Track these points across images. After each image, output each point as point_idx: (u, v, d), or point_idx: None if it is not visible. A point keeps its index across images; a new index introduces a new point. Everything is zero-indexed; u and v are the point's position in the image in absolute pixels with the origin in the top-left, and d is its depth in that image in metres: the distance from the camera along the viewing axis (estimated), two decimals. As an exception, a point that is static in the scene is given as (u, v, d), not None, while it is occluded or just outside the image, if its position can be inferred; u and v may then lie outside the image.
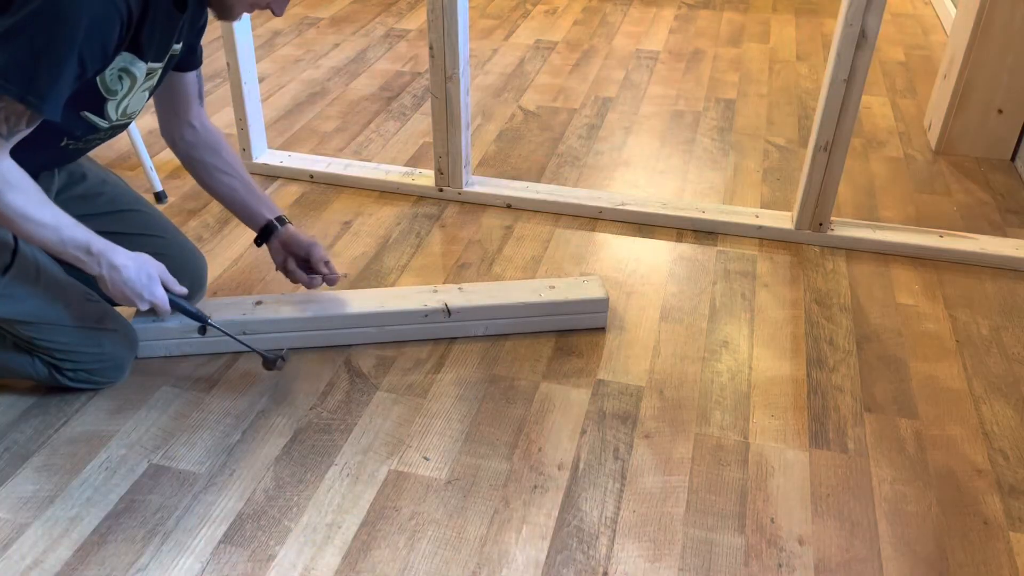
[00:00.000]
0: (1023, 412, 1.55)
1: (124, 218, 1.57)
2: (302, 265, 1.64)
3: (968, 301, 1.84)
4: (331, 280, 1.63)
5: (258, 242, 1.65)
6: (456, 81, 1.99)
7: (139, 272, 1.38)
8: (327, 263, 1.63)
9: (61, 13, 1.13)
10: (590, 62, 3.06)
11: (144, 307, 1.41)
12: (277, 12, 1.34)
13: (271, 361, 1.54)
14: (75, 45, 1.14)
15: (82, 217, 1.49)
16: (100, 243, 1.34)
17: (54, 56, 1.15)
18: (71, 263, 1.35)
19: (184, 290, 1.47)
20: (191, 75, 1.53)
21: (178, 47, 1.40)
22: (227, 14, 1.34)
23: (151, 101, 1.51)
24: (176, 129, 1.57)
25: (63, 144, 1.36)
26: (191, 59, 1.50)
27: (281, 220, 1.63)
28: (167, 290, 1.43)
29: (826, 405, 1.55)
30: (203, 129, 1.59)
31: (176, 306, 1.47)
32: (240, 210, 1.63)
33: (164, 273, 1.43)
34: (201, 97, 1.58)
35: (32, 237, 1.28)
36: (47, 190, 1.44)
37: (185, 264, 1.60)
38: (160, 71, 1.37)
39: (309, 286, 1.63)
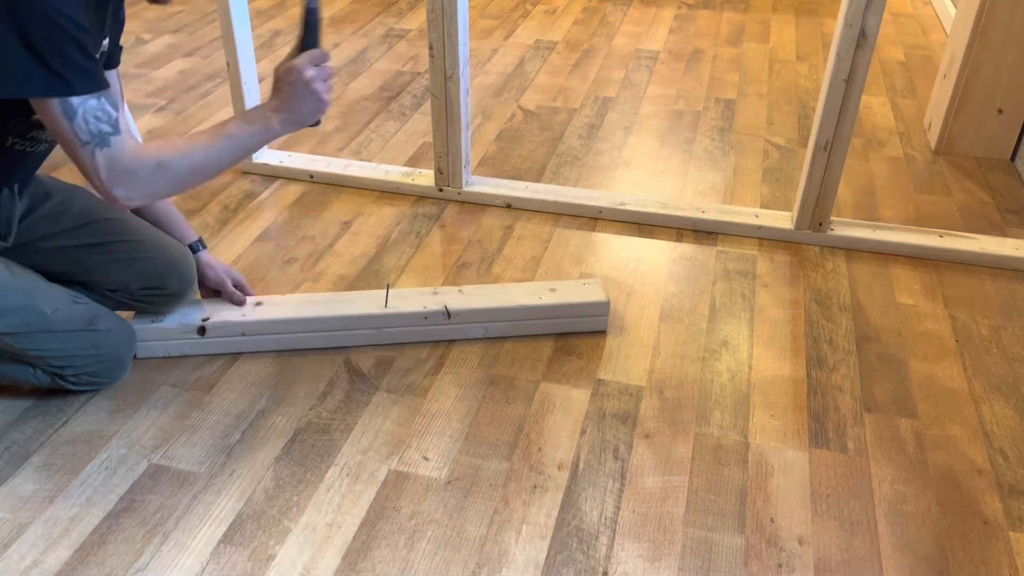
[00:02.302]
0: (1023, 412, 1.55)
1: (98, 228, 1.53)
2: (211, 293, 1.68)
3: (968, 301, 1.84)
4: (237, 300, 1.65)
5: None
6: (456, 81, 1.99)
7: (306, 99, 1.35)
8: (241, 286, 1.68)
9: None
10: (590, 62, 3.06)
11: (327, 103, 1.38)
12: None
13: None
14: (56, 12, 1.13)
15: (55, 235, 1.48)
16: (258, 113, 1.34)
17: (46, 35, 1.13)
18: (264, 143, 1.35)
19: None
20: (112, 75, 1.48)
21: (106, 43, 1.36)
22: None
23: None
24: None
25: (9, 144, 1.34)
26: (114, 54, 1.46)
27: (197, 245, 1.65)
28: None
29: (826, 405, 1.55)
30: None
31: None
32: (162, 228, 1.62)
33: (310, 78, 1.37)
34: (122, 101, 1.54)
35: (224, 160, 1.31)
36: (9, 216, 1.43)
37: (170, 263, 1.57)
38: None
39: (233, 301, 1.66)
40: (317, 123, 1.39)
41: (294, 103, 1.34)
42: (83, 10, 1.18)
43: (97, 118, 1.20)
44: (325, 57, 1.37)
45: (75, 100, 1.18)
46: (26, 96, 1.17)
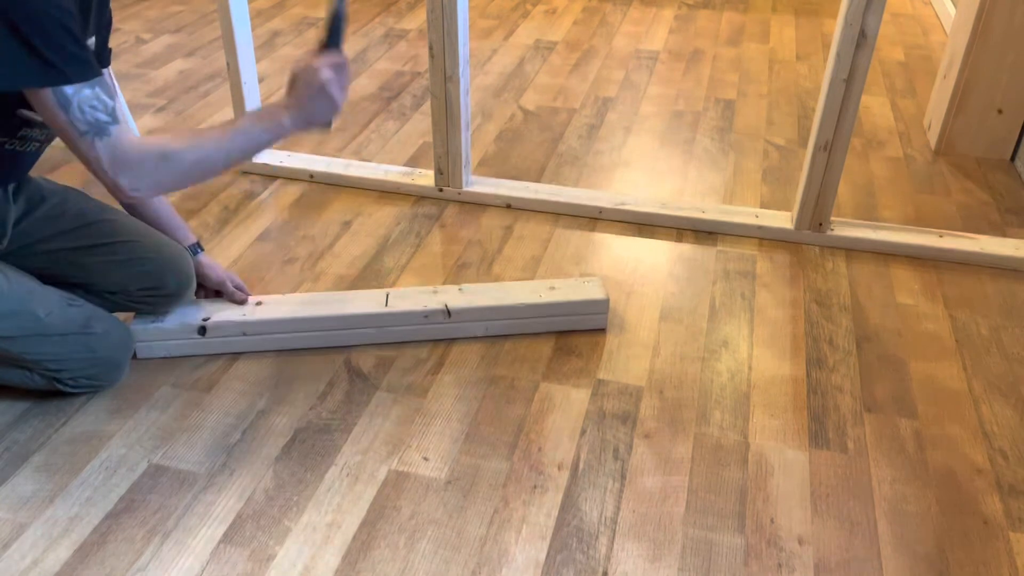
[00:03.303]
0: (1023, 412, 1.55)
1: (95, 229, 1.52)
2: (211, 295, 1.68)
3: (968, 301, 1.84)
4: (238, 300, 1.65)
5: None
6: (456, 81, 1.99)
7: (319, 101, 1.34)
8: (240, 288, 1.68)
9: None
10: (590, 62, 3.06)
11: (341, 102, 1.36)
12: None
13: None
14: (50, 6, 1.13)
15: (51, 237, 1.48)
16: (269, 110, 1.33)
17: (36, 24, 1.13)
18: (271, 142, 1.34)
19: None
20: (104, 75, 1.49)
21: (92, 42, 1.36)
22: None
23: None
24: None
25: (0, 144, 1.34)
26: (101, 55, 1.44)
27: (196, 248, 1.64)
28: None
29: (826, 405, 1.55)
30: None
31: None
32: (160, 230, 1.62)
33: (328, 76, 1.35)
34: (120, 101, 1.54)
35: (232, 155, 1.29)
36: (3, 218, 1.43)
37: (168, 263, 1.56)
38: None
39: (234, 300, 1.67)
40: (328, 125, 1.38)
41: (307, 102, 1.32)
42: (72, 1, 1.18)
43: (93, 107, 1.19)
44: (344, 61, 1.35)
45: (69, 90, 1.17)
46: (19, 87, 1.17)
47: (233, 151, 1.31)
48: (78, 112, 1.18)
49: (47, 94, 1.16)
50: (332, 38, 1.36)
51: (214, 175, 1.33)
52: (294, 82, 1.34)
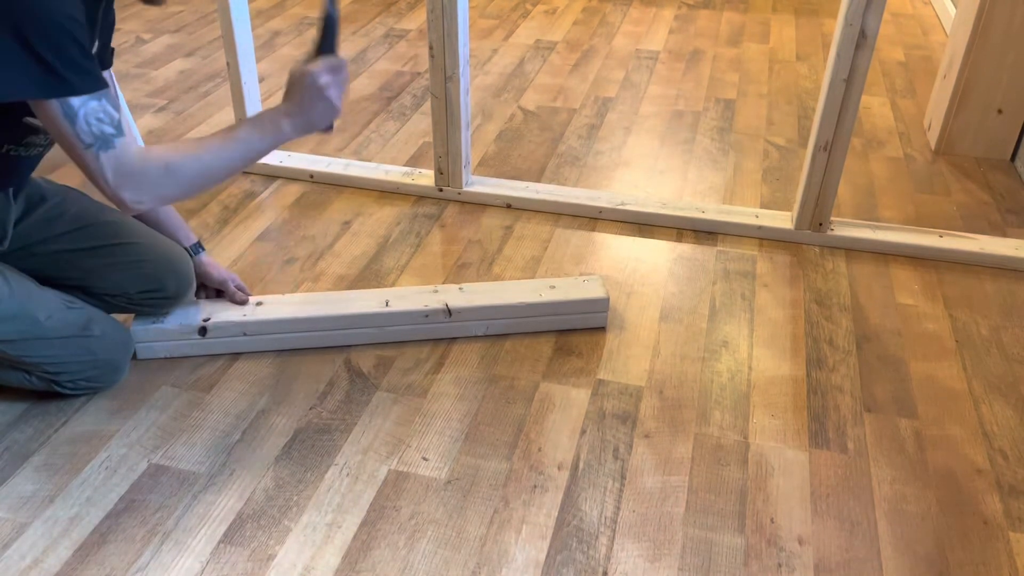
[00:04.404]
0: (1023, 412, 1.55)
1: (95, 231, 1.52)
2: (212, 294, 1.68)
3: (968, 301, 1.84)
4: (239, 300, 1.66)
5: None
6: (456, 81, 1.99)
7: (318, 113, 1.33)
8: (241, 288, 1.68)
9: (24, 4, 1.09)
10: (590, 62, 3.06)
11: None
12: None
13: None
14: (55, 11, 1.11)
15: (50, 239, 1.47)
16: (269, 117, 1.31)
17: (46, 34, 1.11)
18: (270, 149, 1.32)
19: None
20: (106, 76, 1.46)
21: (96, 45, 1.34)
22: None
23: None
24: None
25: (4, 151, 1.33)
26: (104, 56, 1.43)
27: (197, 248, 1.65)
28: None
29: (826, 405, 1.55)
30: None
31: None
32: (161, 231, 1.61)
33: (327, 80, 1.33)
34: (120, 101, 1.52)
35: (234, 164, 1.29)
36: (4, 220, 1.42)
37: (167, 265, 1.56)
38: None
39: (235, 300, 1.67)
40: (329, 128, 1.36)
41: (306, 108, 1.31)
42: (81, 8, 1.16)
43: (99, 119, 1.17)
44: (341, 64, 1.33)
45: (75, 102, 1.15)
46: (25, 98, 1.15)
47: (235, 160, 1.30)
48: (84, 124, 1.16)
49: (53, 105, 1.14)
50: (326, 41, 1.34)
51: (216, 184, 1.32)
52: (292, 88, 1.32)
